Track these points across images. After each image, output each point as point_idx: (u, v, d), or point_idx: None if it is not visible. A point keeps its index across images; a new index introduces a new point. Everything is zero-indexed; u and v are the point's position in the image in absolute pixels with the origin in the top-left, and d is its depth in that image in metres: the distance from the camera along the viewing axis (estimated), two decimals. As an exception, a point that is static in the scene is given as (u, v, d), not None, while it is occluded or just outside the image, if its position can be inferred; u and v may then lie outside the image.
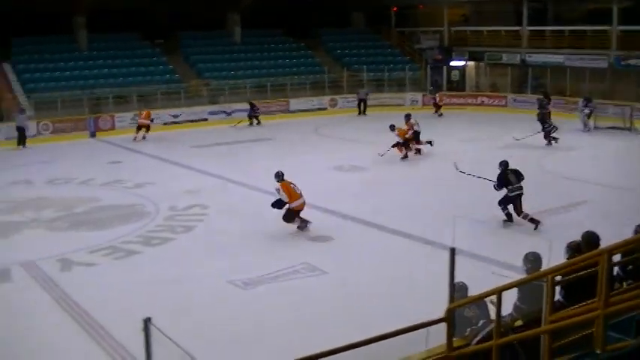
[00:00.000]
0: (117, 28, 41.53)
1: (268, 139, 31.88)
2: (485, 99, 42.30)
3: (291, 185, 16.91)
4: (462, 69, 46.06)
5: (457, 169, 18.81)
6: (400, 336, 6.88)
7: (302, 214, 17.00)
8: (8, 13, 38.32)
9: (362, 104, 40.54)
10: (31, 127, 33.21)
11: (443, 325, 7.49)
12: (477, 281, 9.14)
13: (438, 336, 7.74)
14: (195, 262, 15.04)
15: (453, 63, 45.84)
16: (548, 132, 27.78)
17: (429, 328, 7.38)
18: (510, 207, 16.97)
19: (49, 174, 24.74)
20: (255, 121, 37.07)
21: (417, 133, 26.65)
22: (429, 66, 45.74)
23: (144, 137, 32.87)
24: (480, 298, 8.02)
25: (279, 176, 17.00)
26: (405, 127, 26.36)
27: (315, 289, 13.18)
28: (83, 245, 16.17)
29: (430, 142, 26.76)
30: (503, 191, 17.02)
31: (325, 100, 41.95)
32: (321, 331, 10.79)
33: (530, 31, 42.30)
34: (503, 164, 17.29)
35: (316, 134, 32.26)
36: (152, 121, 33.67)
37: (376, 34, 50.06)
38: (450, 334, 7.58)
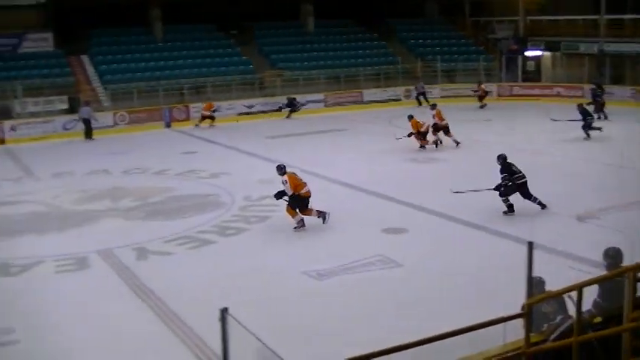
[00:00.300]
0: (192, 19, 41.96)
1: (342, 129, 31.80)
2: (561, 90, 41.29)
3: (296, 176, 16.89)
4: (538, 59, 45.25)
5: (453, 191, 18.12)
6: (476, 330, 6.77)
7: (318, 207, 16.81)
8: (87, 6, 38.98)
9: (420, 97, 39.81)
10: (108, 118, 33.83)
11: (518, 320, 7.34)
12: (552, 275, 8.95)
13: (514, 331, 7.59)
14: (269, 252, 15.06)
15: (528, 53, 45.01)
16: (589, 124, 26.95)
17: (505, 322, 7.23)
18: (512, 197, 17.01)
19: (125, 164, 25.12)
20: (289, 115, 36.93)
21: (438, 127, 26.44)
22: (503, 56, 45.05)
23: (210, 127, 33.88)
24: (560, 294, 7.83)
25: (282, 169, 16.95)
26: (435, 119, 26.36)
27: (389, 282, 13.03)
28: (159, 235, 16.34)
29: (457, 142, 26.45)
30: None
31: (399, 90, 41.64)
32: (396, 324, 10.66)
33: (609, 19, 41.04)
34: (502, 157, 17.34)
35: (390, 125, 31.99)
36: (214, 111, 34.42)
37: (450, 24, 49.54)
38: (528, 330, 7.41)
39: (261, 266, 13.99)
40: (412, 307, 11.67)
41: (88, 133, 31.91)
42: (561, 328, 8.07)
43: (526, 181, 17.06)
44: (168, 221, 17.67)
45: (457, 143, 26.16)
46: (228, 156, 26.54)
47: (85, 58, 39.55)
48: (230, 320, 6.24)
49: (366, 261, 13.98)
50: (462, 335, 6.73)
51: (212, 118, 34.36)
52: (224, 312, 6.21)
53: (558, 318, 8.39)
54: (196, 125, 34.27)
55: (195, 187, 21.01)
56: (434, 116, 26.49)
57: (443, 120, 26.47)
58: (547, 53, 45.09)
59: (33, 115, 33.79)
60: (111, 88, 36.85)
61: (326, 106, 39.45)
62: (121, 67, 38.90)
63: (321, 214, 16.74)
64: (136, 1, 40.62)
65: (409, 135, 25.97)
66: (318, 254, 14.63)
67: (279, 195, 16.69)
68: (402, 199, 18.62)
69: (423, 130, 26.00)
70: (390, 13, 47.30)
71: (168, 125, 35.07)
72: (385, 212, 17.56)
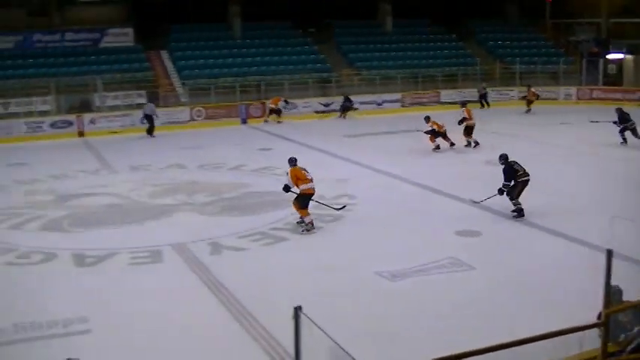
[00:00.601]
0: (270, 16, 42.12)
1: (418, 130, 31.47)
2: (644, 94, 40.22)
3: (302, 171, 16.65)
4: (620, 62, 44.19)
5: (473, 201, 18.03)
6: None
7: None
8: (167, 1, 39.48)
9: (483, 99, 39.25)
10: (185, 113, 34.25)
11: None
12: (629, 283, 8.65)
13: (588, 340, 7.34)
14: (342, 251, 14.91)
15: (609, 56, 43.98)
16: (628, 129, 26.07)
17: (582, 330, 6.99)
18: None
19: (201, 159, 25.32)
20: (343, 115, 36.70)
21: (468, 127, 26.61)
22: (584, 59, 44.11)
23: (279, 122, 34.52)
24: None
25: (292, 162, 16.92)
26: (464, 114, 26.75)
27: (461, 285, 12.77)
28: (233, 230, 16.34)
29: (476, 143, 26.56)
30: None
31: (476, 92, 41.11)
32: (466, 329, 10.47)
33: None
34: (504, 157, 17.27)
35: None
36: (282, 106, 34.94)
37: (530, 25, 48.73)
38: (606, 340, 7.12)
39: (334, 265, 13.85)
40: (484, 312, 11.42)
41: (150, 130, 32.28)
42: (638, 339, 7.77)
43: (528, 180, 16.89)
44: (243, 217, 17.68)
45: (452, 145, 26.31)
46: (304, 154, 26.31)
47: (164, 54, 40.11)
48: (303, 319, 6.13)
49: (438, 263, 13.75)
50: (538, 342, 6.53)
51: (278, 112, 34.52)
52: (298, 310, 6.09)
53: (636, 329, 8.08)
54: (265, 121, 34.64)
55: (270, 184, 20.97)
56: (463, 112, 26.85)
57: (471, 119, 26.65)
58: (629, 56, 43.89)
59: (112, 108, 34.33)
60: (189, 83, 37.23)
61: (403, 106, 39.19)
62: (199, 63, 39.28)
63: (306, 225, 16.39)
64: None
65: (427, 132, 26.21)
66: (390, 255, 14.41)
67: (286, 188, 16.62)
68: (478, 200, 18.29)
69: (441, 131, 25.97)
70: (469, 14, 46.83)
71: (244, 122, 35.29)
72: (459, 213, 17.28)
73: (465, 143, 26.44)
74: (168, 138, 31.25)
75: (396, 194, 19.76)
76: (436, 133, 25.94)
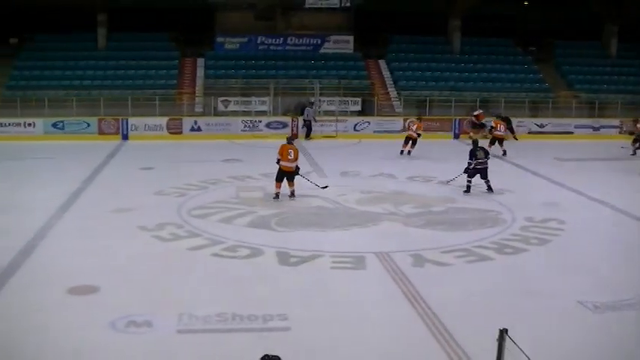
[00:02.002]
0: (490, 33, 41.68)
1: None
2: None
3: (288, 150, 20.28)
4: None
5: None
6: None
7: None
8: (388, 11, 39.97)
9: None
10: (398, 124, 34.52)
11: None
12: None
13: None
14: (546, 277, 14.37)
15: None
16: None
17: None
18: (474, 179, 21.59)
19: (410, 171, 25.47)
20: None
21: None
22: None
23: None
24: None
25: (288, 139, 21.28)
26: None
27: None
28: (437, 244, 16.23)
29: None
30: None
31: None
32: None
33: None
34: (474, 142, 22.66)
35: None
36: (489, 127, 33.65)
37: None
38: None
39: (537, 290, 13.39)
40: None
41: (309, 134, 33.24)
42: None
43: (486, 167, 21.72)
44: (448, 232, 17.52)
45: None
46: (514, 173, 26.01)
47: (382, 63, 40.52)
48: (507, 342, 6.00)
49: (643, 300, 13.01)
50: None
51: (481, 126, 34.04)
52: (503, 332, 5.96)
53: None
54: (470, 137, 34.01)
55: (477, 201, 20.72)
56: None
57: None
58: None
59: (326, 113, 35.02)
60: (404, 94, 37.41)
61: (620, 132, 37.36)
62: (416, 75, 39.47)
63: (274, 195, 20.26)
64: (437, 11, 41.04)
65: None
66: (597, 285, 13.78)
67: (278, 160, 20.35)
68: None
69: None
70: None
71: (456, 136, 35.05)
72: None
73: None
74: (378, 147, 31.50)
75: (607, 224, 18.96)
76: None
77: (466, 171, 21.74)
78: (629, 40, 42.79)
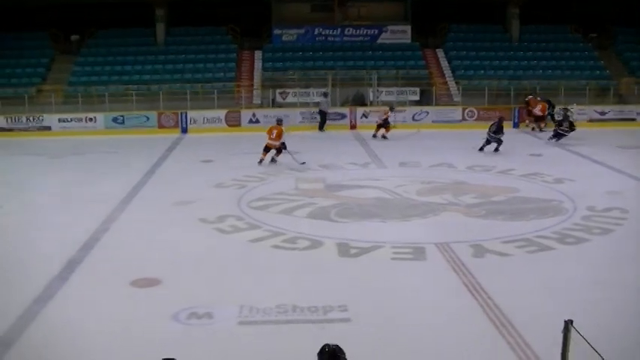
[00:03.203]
0: (550, 20, 41.30)
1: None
2: None
3: (272, 130, 24.83)
4: None
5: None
6: None
7: None
8: (446, 1, 39.77)
9: None
10: (457, 113, 34.30)
11: None
12: None
13: None
14: (609, 267, 14.13)
15: None
16: None
17: None
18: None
19: (470, 160, 25.35)
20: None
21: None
22: None
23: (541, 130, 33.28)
24: None
25: (277, 120, 25.90)
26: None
27: None
28: (498, 234, 16.08)
29: None
30: None
31: None
32: None
33: None
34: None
35: None
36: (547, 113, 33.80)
37: None
38: None
39: (601, 280, 13.18)
40: None
41: (322, 126, 33.41)
42: None
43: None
44: (509, 222, 17.36)
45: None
46: (575, 162, 25.62)
47: (439, 52, 40.29)
48: (572, 333, 5.91)
49: None
50: None
51: (541, 118, 33.50)
52: (569, 323, 5.87)
53: None
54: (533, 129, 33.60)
55: (538, 191, 20.50)
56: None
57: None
58: None
59: (385, 104, 34.89)
60: (463, 83, 37.14)
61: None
62: (474, 64, 39.14)
63: (260, 161, 24.61)
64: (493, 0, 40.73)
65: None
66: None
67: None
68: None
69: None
70: None
71: (515, 125, 34.65)
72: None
73: None
74: (438, 136, 31.41)
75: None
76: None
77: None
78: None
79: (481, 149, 27.11)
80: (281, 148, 24.71)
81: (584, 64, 39.93)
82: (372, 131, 31.33)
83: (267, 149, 24.68)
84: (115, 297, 12.42)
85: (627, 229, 16.76)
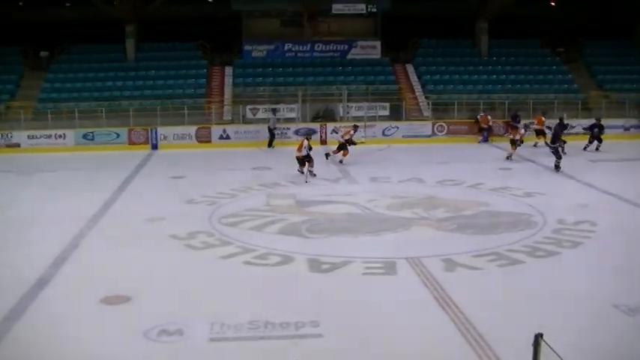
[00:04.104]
0: (517, 34, 41.67)
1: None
2: None
3: (305, 142, 25.11)
4: None
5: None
6: None
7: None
8: (413, 16, 40.04)
9: None
10: (427, 128, 34.45)
11: None
12: None
13: None
14: (579, 280, 14.24)
15: None
16: None
17: None
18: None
19: (440, 174, 25.38)
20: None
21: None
22: None
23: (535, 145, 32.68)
24: None
25: (305, 134, 27.65)
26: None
27: None
28: (468, 248, 16.12)
29: None
30: None
31: None
32: None
33: None
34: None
35: None
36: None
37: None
38: None
39: (570, 293, 13.26)
40: None
41: (271, 142, 33.44)
42: None
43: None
44: (479, 236, 17.43)
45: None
46: (544, 176, 25.80)
47: (409, 67, 40.50)
48: (543, 346, 5.95)
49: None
50: None
51: (543, 133, 33.06)
52: (539, 337, 5.92)
53: None
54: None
55: (508, 204, 20.62)
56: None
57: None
58: None
59: (355, 119, 34.97)
60: (432, 98, 37.32)
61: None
62: (444, 79, 39.43)
63: (302, 170, 25.16)
64: (464, 13, 40.99)
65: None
66: (633, 287, 13.65)
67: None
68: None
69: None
70: None
71: (485, 140, 34.85)
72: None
73: None
74: (409, 151, 31.52)
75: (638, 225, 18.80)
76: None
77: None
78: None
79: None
80: (304, 159, 24.95)
81: (552, 77, 40.36)
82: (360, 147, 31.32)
83: (298, 161, 25.23)
84: (85, 314, 12.31)
85: (597, 242, 16.89)
